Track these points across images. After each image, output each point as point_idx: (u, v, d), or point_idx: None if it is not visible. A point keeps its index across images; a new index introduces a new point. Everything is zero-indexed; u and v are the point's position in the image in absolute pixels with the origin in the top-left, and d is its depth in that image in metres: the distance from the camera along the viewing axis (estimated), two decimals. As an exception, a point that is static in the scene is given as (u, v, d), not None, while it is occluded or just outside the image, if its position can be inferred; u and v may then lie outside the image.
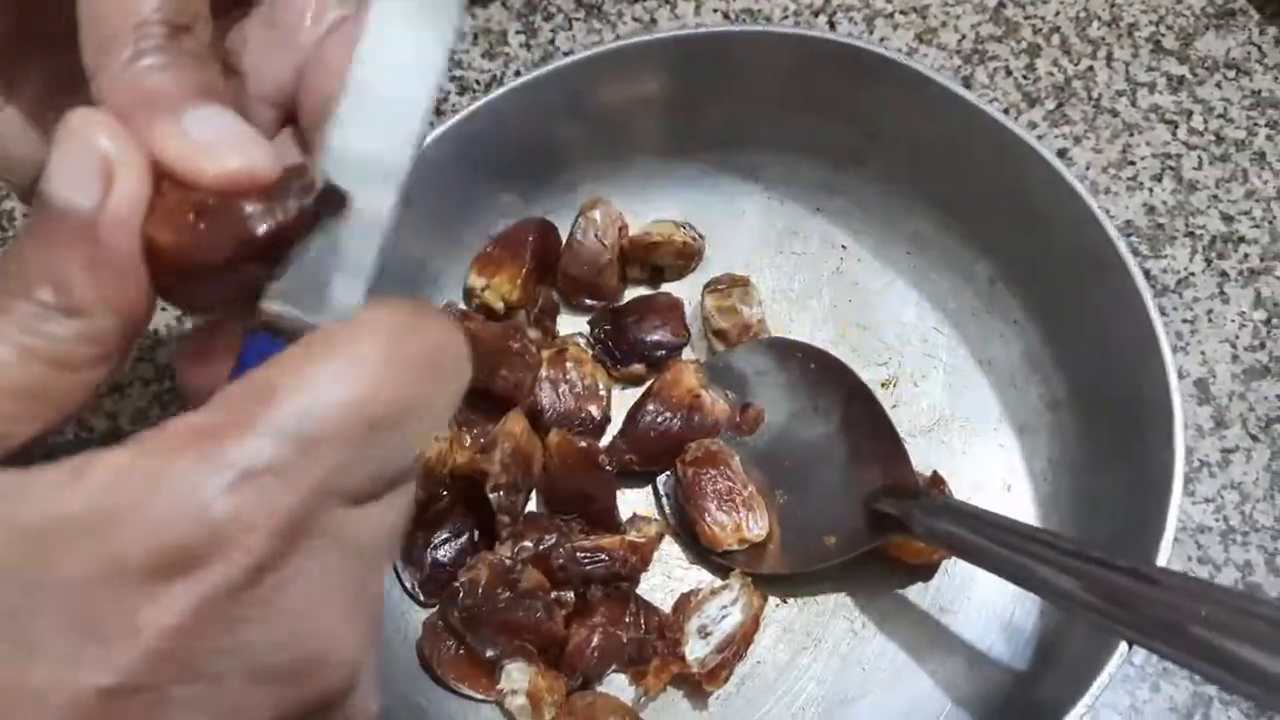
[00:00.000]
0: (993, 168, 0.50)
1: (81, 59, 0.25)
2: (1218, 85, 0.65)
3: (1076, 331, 0.51)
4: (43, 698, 0.20)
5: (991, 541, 0.43)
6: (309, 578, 0.22)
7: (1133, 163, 0.63)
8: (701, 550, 0.51)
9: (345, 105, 0.25)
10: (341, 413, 0.22)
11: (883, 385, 0.54)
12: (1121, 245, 0.46)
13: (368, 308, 0.24)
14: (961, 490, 0.52)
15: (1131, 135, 0.64)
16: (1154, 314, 0.44)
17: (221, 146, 0.24)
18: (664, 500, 0.53)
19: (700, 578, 0.52)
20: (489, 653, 0.48)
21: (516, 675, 0.48)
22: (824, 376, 0.52)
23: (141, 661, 0.20)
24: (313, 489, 0.22)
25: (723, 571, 0.51)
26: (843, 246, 0.57)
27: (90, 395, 0.24)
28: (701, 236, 0.57)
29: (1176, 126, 0.64)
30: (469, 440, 0.52)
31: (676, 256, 0.57)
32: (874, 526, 0.48)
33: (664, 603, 0.51)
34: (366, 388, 0.22)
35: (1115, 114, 0.64)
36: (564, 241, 0.56)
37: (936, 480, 0.50)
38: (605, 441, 0.54)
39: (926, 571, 0.50)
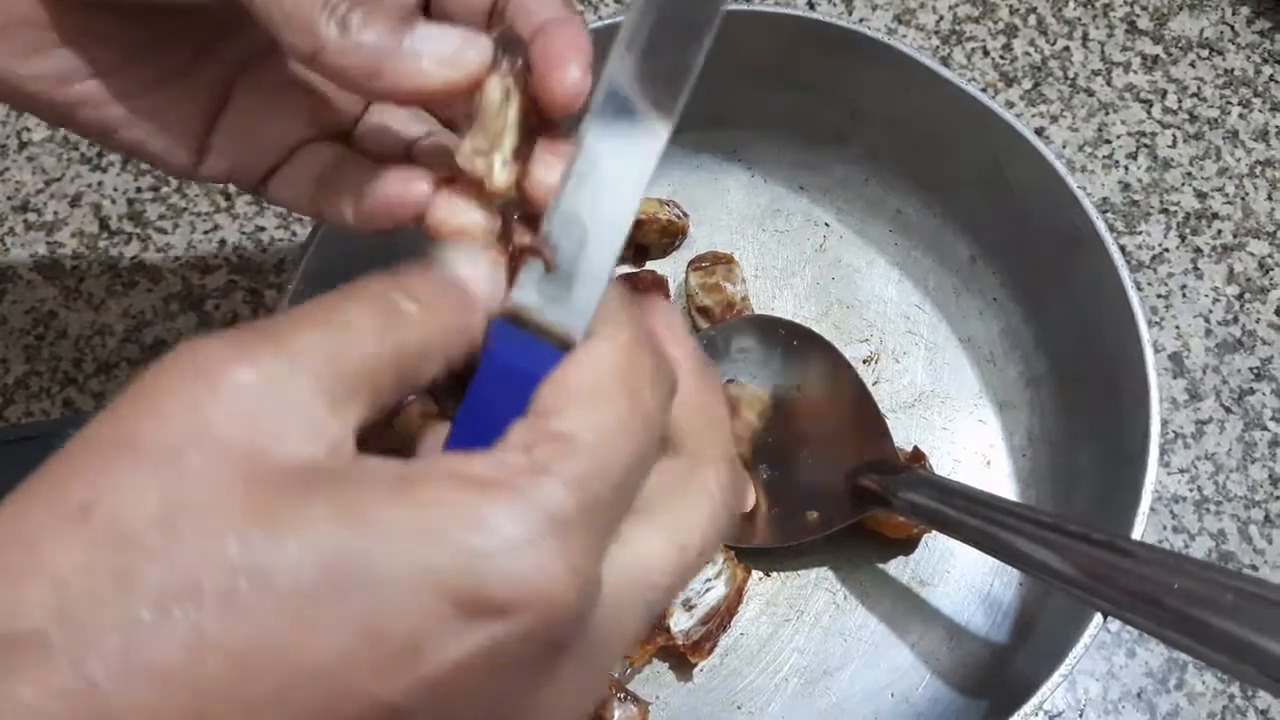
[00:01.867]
0: (972, 147, 0.51)
1: (281, 41, 0.28)
2: (1191, 65, 0.66)
3: (1054, 308, 0.51)
4: (314, 680, 0.19)
5: (970, 516, 0.44)
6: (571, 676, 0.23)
7: (1108, 141, 0.64)
8: (686, 525, 0.52)
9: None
10: (624, 475, 0.23)
11: (865, 362, 0.55)
12: (1098, 222, 0.46)
13: (608, 323, 0.25)
14: (942, 465, 0.52)
15: (1107, 114, 0.65)
16: (1130, 289, 0.45)
17: (454, 53, 0.27)
18: (649, 476, 0.54)
19: (685, 552, 0.52)
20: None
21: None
22: (807, 353, 0.53)
23: (409, 687, 0.20)
24: (599, 550, 0.23)
25: (707, 546, 0.52)
26: (826, 224, 0.58)
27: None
28: (686, 214, 0.57)
29: (1151, 105, 0.65)
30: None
31: (661, 234, 0.57)
32: (856, 501, 0.49)
33: (650, 577, 0.52)
34: (641, 441, 0.23)
35: (1091, 93, 0.65)
36: (548, 220, 0.57)
37: (917, 455, 0.51)
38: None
39: (907, 545, 0.51)
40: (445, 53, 0.27)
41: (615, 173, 0.26)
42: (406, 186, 0.31)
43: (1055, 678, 0.41)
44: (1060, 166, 0.47)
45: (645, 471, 0.25)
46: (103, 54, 0.33)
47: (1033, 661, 0.45)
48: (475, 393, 0.25)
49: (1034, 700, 0.41)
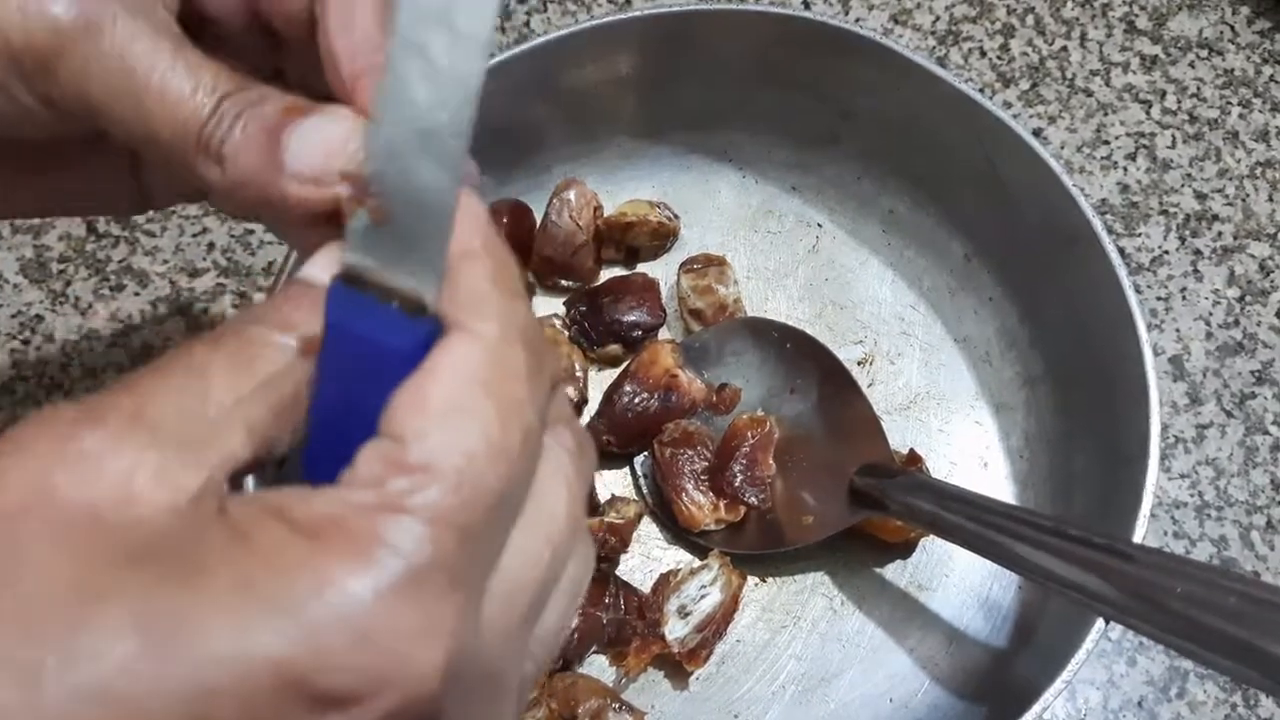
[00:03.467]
0: (968, 147, 0.50)
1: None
2: (1191, 65, 0.65)
3: (1051, 309, 0.51)
4: None
5: (968, 520, 0.43)
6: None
7: (1107, 142, 0.63)
8: (680, 530, 0.51)
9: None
10: (499, 501, 0.21)
11: (859, 363, 0.54)
12: (1097, 223, 0.46)
13: (467, 305, 0.22)
14: (938, 467, 0.52)
15: (1106, 115, 0.64)
16: (1129, 292, 0.45)
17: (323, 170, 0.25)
18: (642, 481, 0.53)
19: (679, 558, 0.52)
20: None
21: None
22: (800, 355, 0.52)
23: None
24: (473, 592, 0.21)
25: (701, 551, 0.51)
26: (818, 225, 0.57)
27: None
28: (677, 216, 0.57)
29: (1150, 106, 0.64)
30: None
31: (652, 237, 0.56)
32: (852, 505, 0.48)
33: (643, 583, 0.51)
34: (518, 461, 0.21)
35: (1089, 94, 0.64)
36: (538, 223, 0.56)
37: (913, 458, 0.50)
38: (582, 423, 0.53)
39: (904, 549, 0.51)
40: (315, 168, 0.25)
41: (440, 68, 0.20)
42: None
43: (1057, 684, 0.40)
44: (1057, 166, 0.47)
45: (524, 491, 0.22)
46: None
47: (1033, 666, 0.45)
48: (323, 376, 0.22)
49: (1035, 709, 0.40)
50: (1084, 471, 0.48)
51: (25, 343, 0.57)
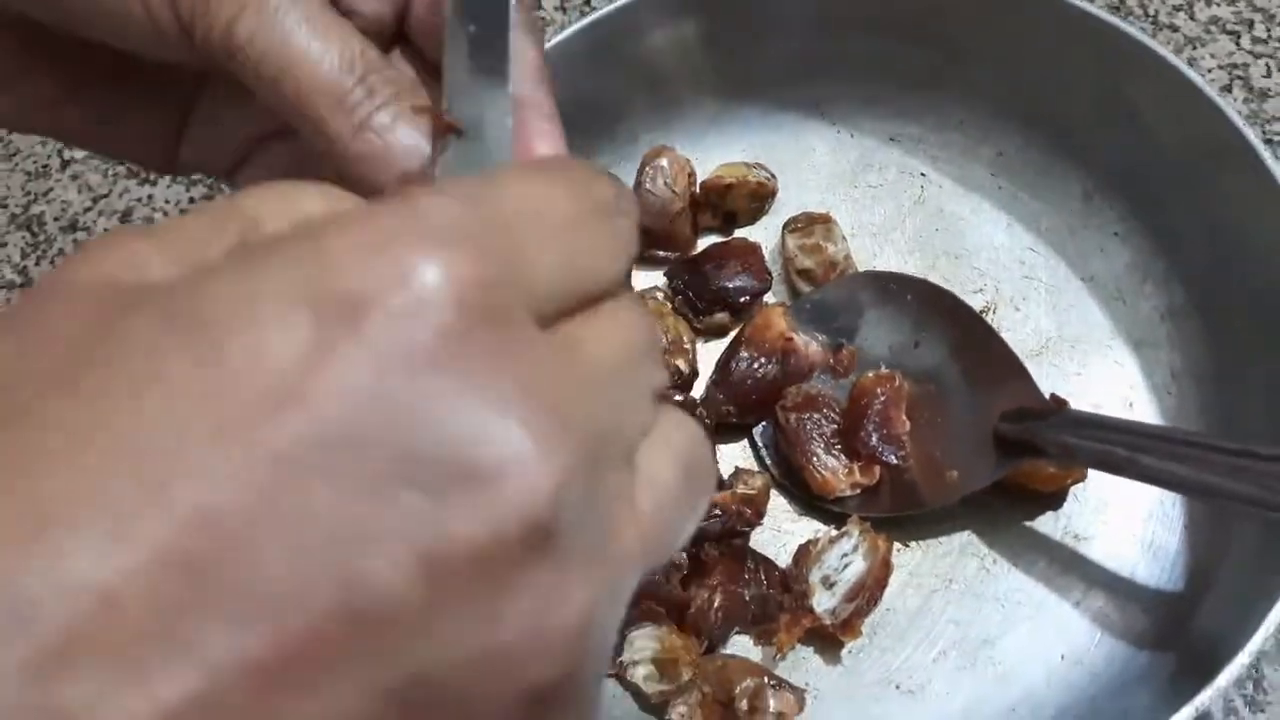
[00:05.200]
0: (1090, 74, 0.48)
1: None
2: (1274, -9, 0.63)
3: (1190, 235, 0.48)
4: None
5: (1144, 453, 0.40)
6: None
7: (1200, 76, 0.61)
8: (811, 499, 0.49)
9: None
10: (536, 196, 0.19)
11: (981, 312, 0.52)
12: (1250, 134, 0.43)
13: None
14: (1080, 412, 0.49)
15: (1194, 49, 0.62)
16: (1292, 196, 0.42)
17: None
18: (764, 451, 0.50)
19: (812, 528, 0.49)
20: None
21: (640, 644, 0.44)
22: (924, 306, 0.50)
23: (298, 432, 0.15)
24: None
25: (837, 520, 0.48)
26: (922, 174, 0.54)
27: None
28: (774, 176, 0.54)
29: (1239, 36, 0.62)
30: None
31: (751, 199, 0.54)
32: (1001, 454, 0.45)
33: (777, 559, 0.48)
34: (551, 187, 0.19)
35: (1175, 29, 0.62)
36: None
37: (1058, 401, 0.47)
38: (697, 395, 0.51)
39: (1055, 499, 0.48)
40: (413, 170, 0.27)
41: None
42: None
43: (1257, 638, 0.37)
44: (1200, 80, 0.44)
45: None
46: (61, 86, 0.31)
47: (1219, 612, 0.42)
48: None
49: (1239, 659, 0.37)
50: (1245, 400, 0.45)
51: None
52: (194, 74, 0.32)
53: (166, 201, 0.58)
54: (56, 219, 0.58)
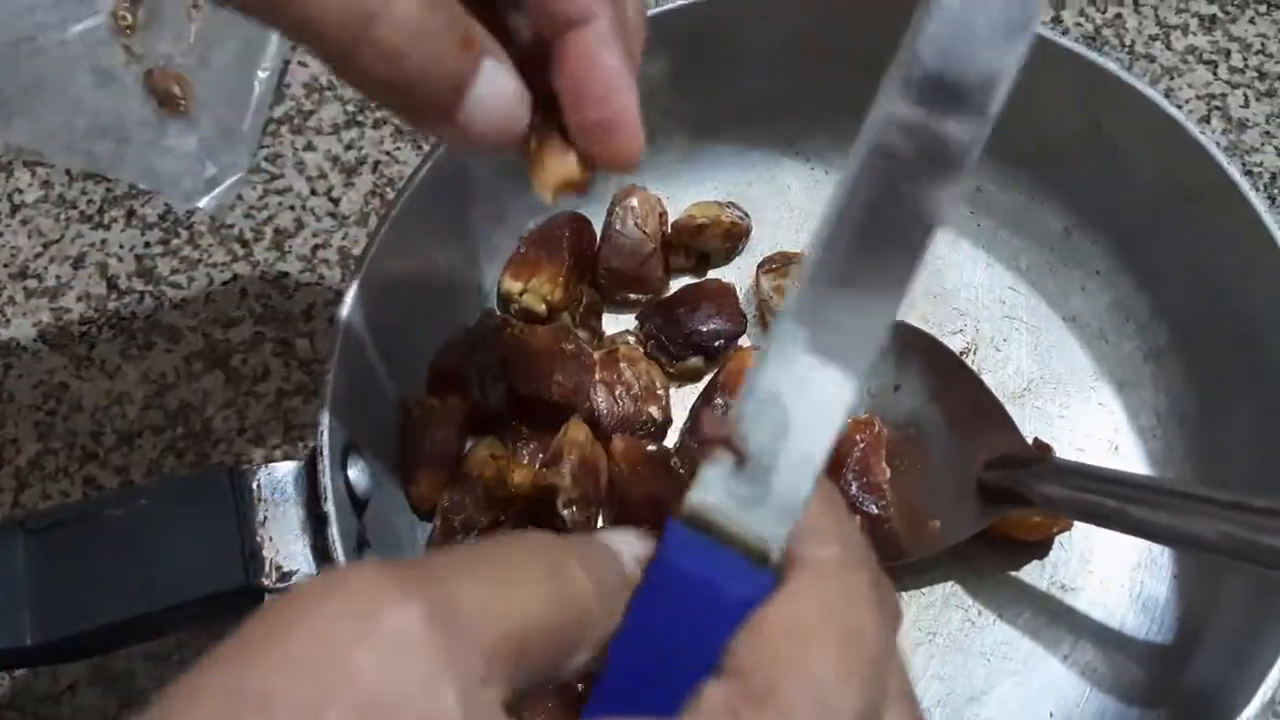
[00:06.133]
0: (1069, 109, 0.47)
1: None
2: (1251, 21, 0.63)
3: (1172, 273, 0.47)
4: None
5: (1134, 504, 0.39)
6: None
7: (1178, 107, 0.60)
8: (790, 550, 0.47)
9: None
10: None
11: (961, 354, 0.50)
12: (1233, 170, 0.42)
13: (810, 536, 0.22)
14: (1065, 455, 0.47)
15: (1172, 79, 0.61)
16: (1276, 232, 0.41)
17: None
18: (741, 501, 0.49)
19: (792, 581, 0.47)
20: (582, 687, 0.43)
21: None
22: (904, 348, 0.48)
23: None
24: None
25: (817, 571, 0.47)
26: (899, 213, 0.53)
27: None
28: (747, 215, 0.53)
29: (1216, 66, 0.61)
30: (525, 456, 0.47)
31: (724, 239, 0.52)
32: (985, 503, 0.44)
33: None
34: (868, 695, 0.20)
35: (1152, 59, 0.62)
36: (598, 235, 0.52)
37: (1041, 447, 0.46)
38: (669, 444, 0.49)
39: (1040, 548, 0.46)
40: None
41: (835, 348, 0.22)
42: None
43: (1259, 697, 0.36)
44: (1180, 115, 0.43)
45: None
46: None
47: (1211, 667, 0.41)
48: (642, 612, 0.22)
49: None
50: (1231, 441, 0.44)
51: (51, 413, 0.52)
52: None
53: (120, 246, 0.56)
54: (6, 265, 0.56)
